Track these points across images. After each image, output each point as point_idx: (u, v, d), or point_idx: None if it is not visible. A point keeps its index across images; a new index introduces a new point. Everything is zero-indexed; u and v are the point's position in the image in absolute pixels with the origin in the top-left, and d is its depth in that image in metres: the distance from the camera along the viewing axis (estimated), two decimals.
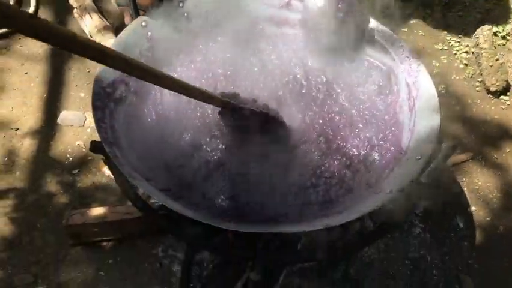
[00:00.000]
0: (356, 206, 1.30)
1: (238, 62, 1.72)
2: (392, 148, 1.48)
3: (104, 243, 1.71)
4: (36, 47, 2.29)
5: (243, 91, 1.64)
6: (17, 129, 1.99)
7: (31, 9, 2.40)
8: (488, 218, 1.86)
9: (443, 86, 2.25)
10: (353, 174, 1.45)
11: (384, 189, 1.29)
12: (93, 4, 2.36)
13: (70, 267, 1.65)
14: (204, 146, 1.53)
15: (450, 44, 2.42)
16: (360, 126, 1.57)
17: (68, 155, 1.93)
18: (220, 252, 1.49)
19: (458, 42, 2.42)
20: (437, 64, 2.34)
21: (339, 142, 1.54)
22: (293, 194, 1.42)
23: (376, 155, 1.50)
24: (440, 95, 2.13)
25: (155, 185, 1.30)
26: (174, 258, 1.67)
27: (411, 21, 2.51)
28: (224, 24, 1.72)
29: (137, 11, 1.64)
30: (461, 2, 2.56)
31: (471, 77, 2.29)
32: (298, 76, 1.69)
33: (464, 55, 2.36)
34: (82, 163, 1.90)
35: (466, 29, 2.46)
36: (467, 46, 2.39)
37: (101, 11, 2.36)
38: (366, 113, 1.61)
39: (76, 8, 2.36)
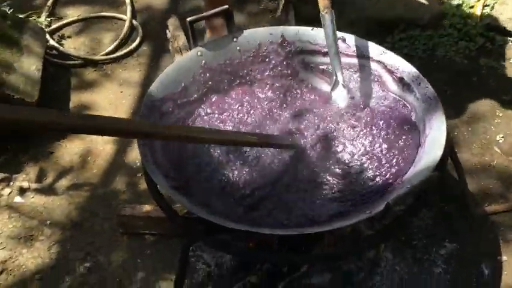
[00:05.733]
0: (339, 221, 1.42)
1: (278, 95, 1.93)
2: (395, 180, 1.55)
3: (147, 236, 1.97)
4: (134, 72, 2.72)
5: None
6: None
7: (137, 42, 2.86)
8: None
9: (501, 136, 2.22)
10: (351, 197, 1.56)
11: (365, 211, 1.38)
12: (186, 44, 2.72)
13: (115, 252, 1.94)
14: (230, 163, 1.72)
15: None
16: (378, 159, 1.66)
17: (137, 161, 2.25)
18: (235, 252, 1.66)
19: None
20: (501, 114, 2.31)
21: (351, 171, 1.65)
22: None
23: (379, 184, 1.59)
24: (497, 144, 2.15)
25: (171, 183, 1.53)
26: (200, 258, 1.87)
27: (483, 71, 2.51)
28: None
29: (195, 42, 1.93)
30: None
31: None
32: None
33: None
34: None
35: None
36: None
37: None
38: (385, 146, 1.70)
39: (171, 46, 2.75)
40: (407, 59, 1.79)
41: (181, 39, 2.73)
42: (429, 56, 2.61)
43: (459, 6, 2.81)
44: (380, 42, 2.34)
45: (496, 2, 2.72)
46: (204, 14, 1.96)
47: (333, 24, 1.77)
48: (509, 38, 2.63)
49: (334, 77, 1.82)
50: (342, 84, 1.82)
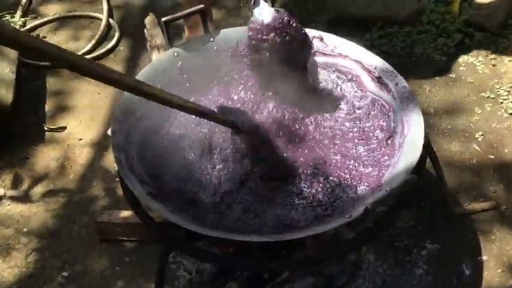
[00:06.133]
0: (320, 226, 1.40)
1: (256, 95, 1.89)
2: (374, 183, 1.54)
3: (126, 243, 1.94)
4: None
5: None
6: (80, 139, 2.34)
7: (114, 41, 2.81)
8: (499, 270, 1.80)
9: (480, 133, 2.22)
10: (330, 201, 1.55)
11: (345, 214, 1.37)
12: (164, 43, 2.67)
13: (93, 259, 1.90)
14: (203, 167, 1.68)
15: (498, 93, 2.37)
16: (357, 163, 1.64)
17: (115, 165, 2.21)
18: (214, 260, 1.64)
19: (508, 91, 2.37)
20: (480, 111, 2.31)
21: (331, 173, 1.64)
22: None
23: (361, 188, 1.57)
24: (476, 142, 2.15)
25: (147, 189, 1.50)
26: (180, 264, 1.85)
27: (461, 68, 2.51)
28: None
29: (171, 42, 1.89)
30: None
31: None
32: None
33: (511, 105, 2.31)
34: None
35: None
36: None
37: None
38: (364, 150, 1.68)
39: (149, 45, 2.70)
40: (385, 57, 1.78)
41: (159, 38, 2.68)
42: (408, 53, 2.61)
43: (437, 2, 2.80)
44: (359, 40, 2.34)
45: None
46: (179, 14, 1.91)
47: None
48: (487, 34, 2.63)
49: None
50: None
